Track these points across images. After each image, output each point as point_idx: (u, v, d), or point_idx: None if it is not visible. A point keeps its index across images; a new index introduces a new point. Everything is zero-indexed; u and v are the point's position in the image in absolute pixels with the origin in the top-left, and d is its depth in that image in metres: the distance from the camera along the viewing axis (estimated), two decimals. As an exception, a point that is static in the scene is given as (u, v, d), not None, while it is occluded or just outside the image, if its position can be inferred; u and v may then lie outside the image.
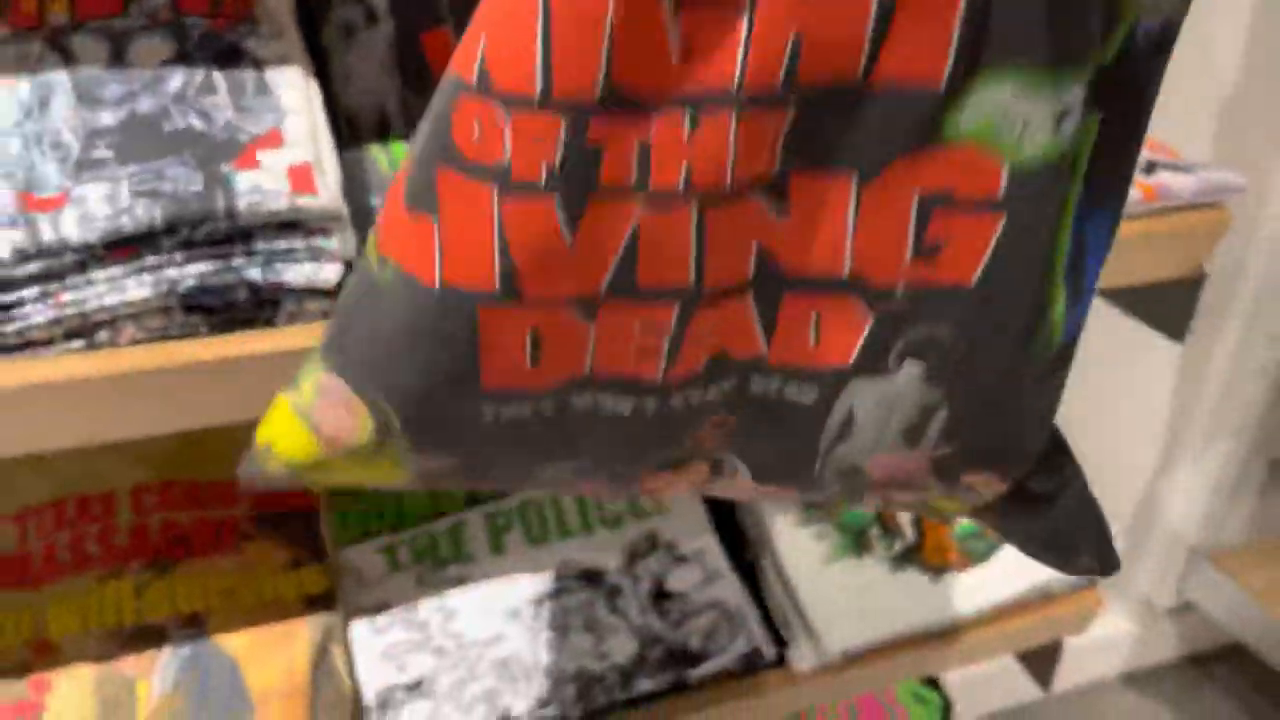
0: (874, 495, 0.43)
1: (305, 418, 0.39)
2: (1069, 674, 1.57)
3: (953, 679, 1.11)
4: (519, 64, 0.30)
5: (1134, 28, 0.32)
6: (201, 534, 0.70)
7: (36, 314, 0.47)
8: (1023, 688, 1.55)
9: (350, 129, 0.60)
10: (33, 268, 0.46)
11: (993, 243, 0.34)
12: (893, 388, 0.37)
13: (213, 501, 0.71)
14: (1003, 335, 0.36)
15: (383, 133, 0.60)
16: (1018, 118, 0.32)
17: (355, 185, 0.54)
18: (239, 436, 0.74)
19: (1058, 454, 0.43)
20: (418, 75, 0.61)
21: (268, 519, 0.72)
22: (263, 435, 0.43)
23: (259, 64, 0.53)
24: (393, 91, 0.61)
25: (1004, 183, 0.33)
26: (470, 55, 0.31)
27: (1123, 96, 0.33)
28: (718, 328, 0.36)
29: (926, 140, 0.32)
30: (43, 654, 0.64)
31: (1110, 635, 1.60)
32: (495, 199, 0.32)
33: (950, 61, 0.31)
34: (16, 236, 0.45)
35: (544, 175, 0.31)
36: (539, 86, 0.30)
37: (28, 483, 0.70)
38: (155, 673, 0.64)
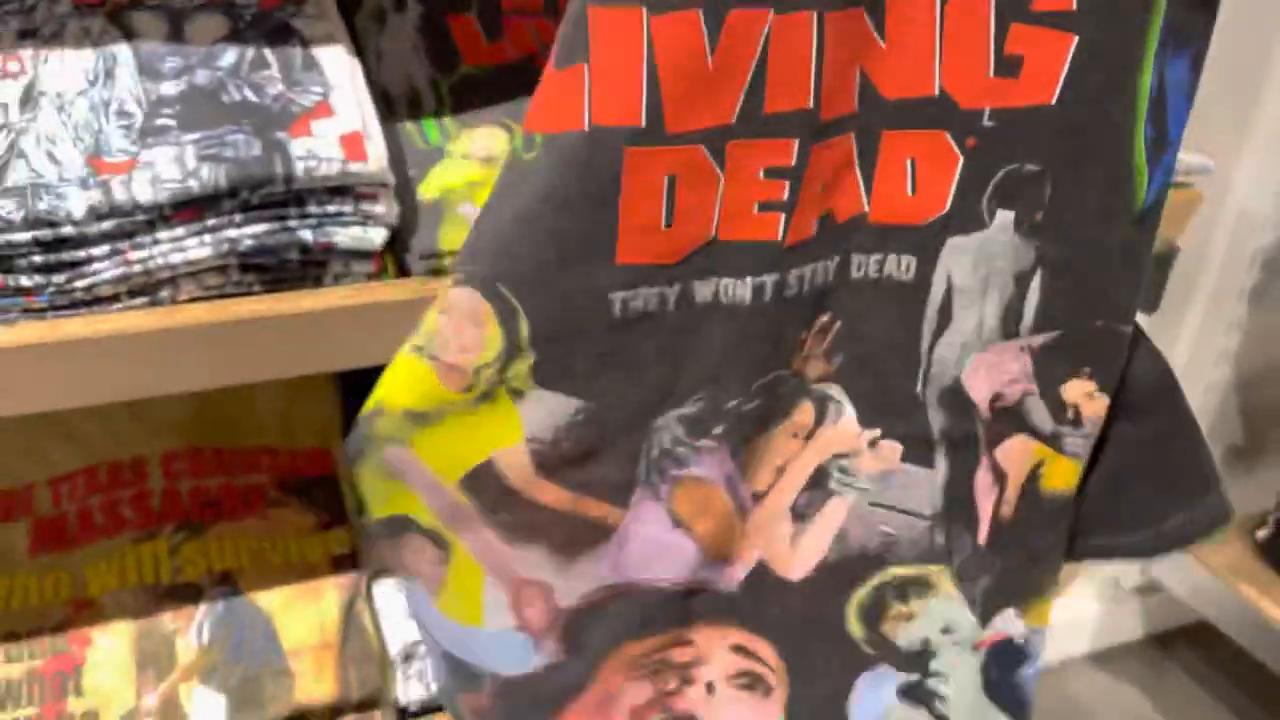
0: (982, 444, 0.42)
1: (424, 351, 0.41)
2: (1040, 653, 1.63)
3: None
4: None
5: None
6: (230, 499, 0.73)
7: (105, 271, 0.50)
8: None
9: (384, 106, 0.63)
10: (105, 226, 0.49)
11: (1068, 59, 0.35)
12: (987, 245, 0.38)
13: (239, 468, 0.74)
14: (1087, 173, 0.37)
15: (414, 110, 0.63)
16: None
17: (392, 158, 0.58)
18: (263, 407, 0.77)
19: (1148, 354, 0.43)
20: (445, 56, 0.64)
21: (291, 485, 0.75)
22: (374, 398, 0.45)
23: (306, 41, 0.57)
24: (422, 72, 0.64)
25: (1076, 1, 0.35)
26: None
27: None
28: (827, 178, 0.37)
29: None
30: (82, 611, 0.66)
31: (1078, 615, 1.66)
32: (645, 18, 0.34)
33: None
34: (92, 196, 0.48)
35: None
36: None
37: (59, 452, 0.72)
38: (192, 627, 0.66)
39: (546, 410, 0.41)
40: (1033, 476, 0.42)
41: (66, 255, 0.49)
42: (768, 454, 0.43)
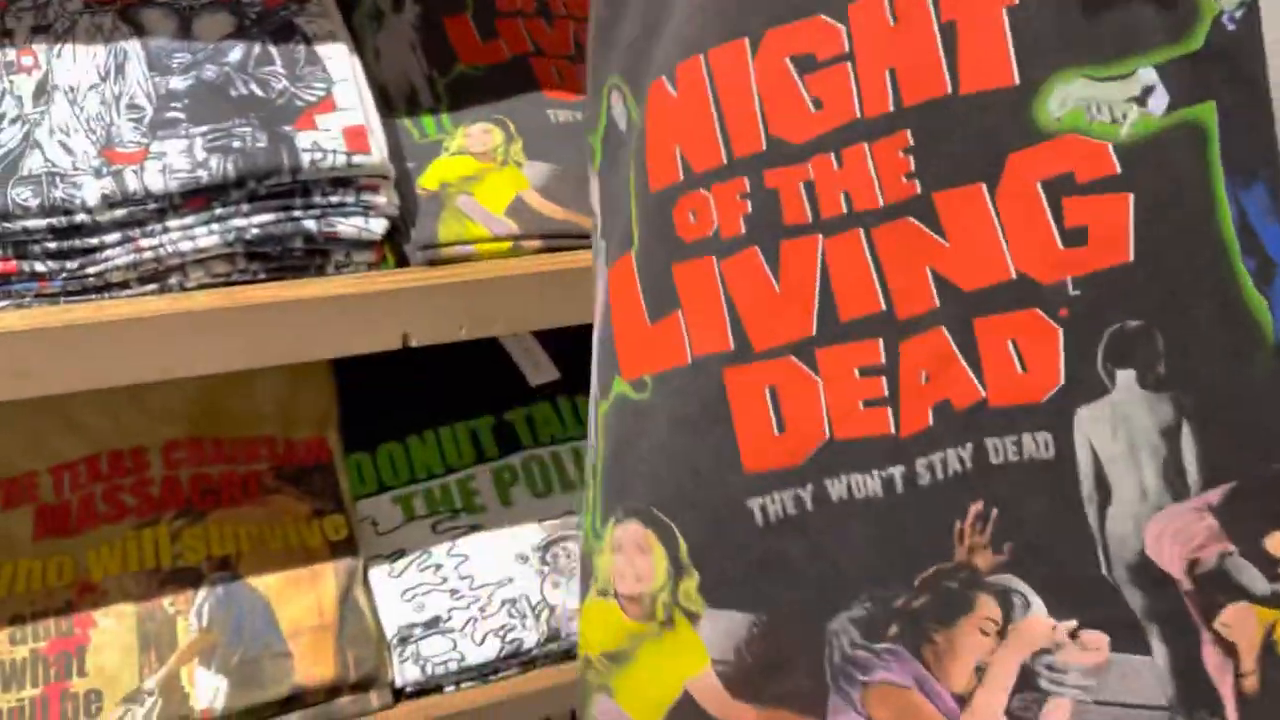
0: (1196, 618, 0.39)
1: (607, 592, 0.45)
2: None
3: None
4: (707, 146, 0.40)
5: (1218, 18, 0.36)
6: (229, 486, 0.74)
7: (117, 258, 0.52)
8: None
9: (382, 102, 0.65)
10: (118, 214, 0.51)
11: (1131, 216, 0.36)
12: (1120, 408, 0.38)
13: (238, 457, 0.76)
14: (1195, 317, 0.37)
15: (411, 107, 0.65)
16: (1093, 106, 0.37)
17: (392, 151, 0.60)
18: (261, 396, 0.79)
19: None
20: (441, 55, 0.67)
21: (289, 473, 0.77)
22: (580, 650, 0.48)
23: (309, 39, 0.59)
24: (419, 69, 0.66)
25: (1116, 161, 0.36)
26: (671, 163, 0.41)
27: (1228, 75, 0.36)
28: (930, 369, 0.40)
29: (1026, 136, 0.37)
30: (85, 594, 0.68)
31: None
32: (716, 264, 0.40)
33: (1014, 64, 0.37)
34: (106, 185, 0.50)
35: (743, 226, 0.40)
36: (724, 155, 0.39)
37: (62, 440, 0.74)
38: (193, 610, 0.68)
39: (723, 629, 0.43)
40: (1268, 643, 0.39)
41: (79, 242, 0.51)
42: (958, 653, 0.41)
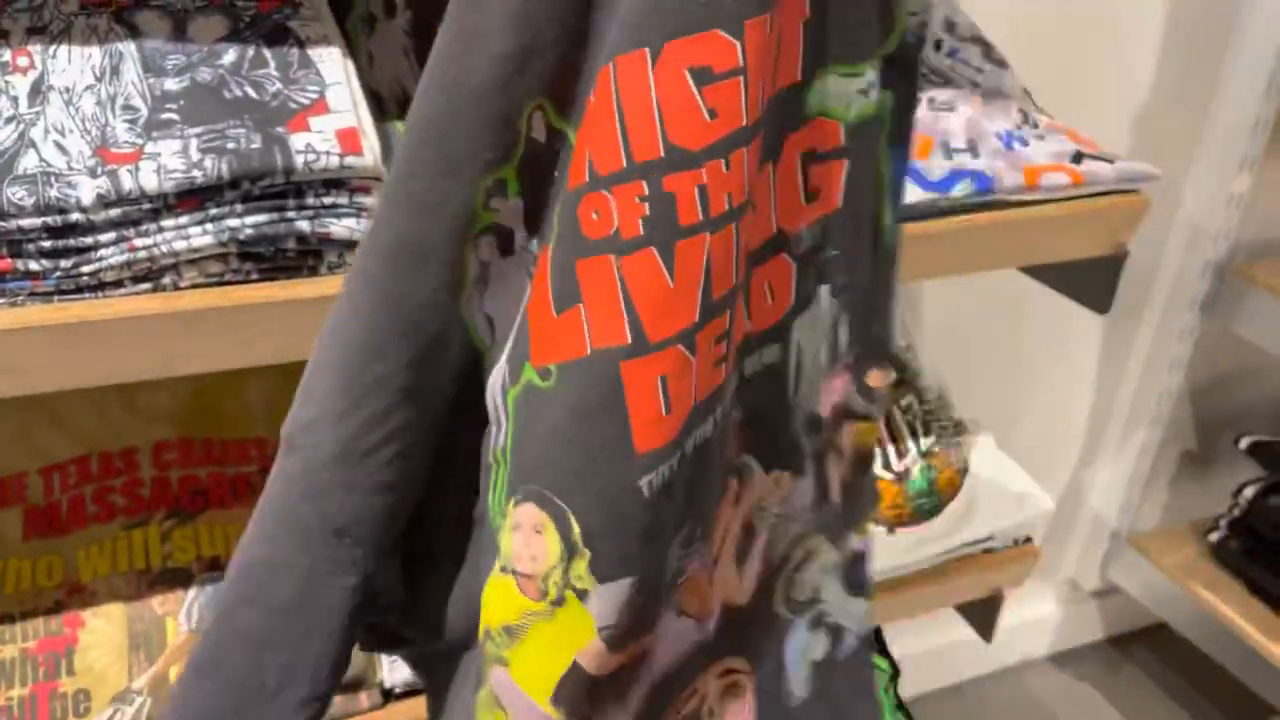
0: (833, 448, 0.56)
1: (506, 568, 0.47)
2: (1000, 653, 1.67)
3: (896, 654, 1.19)
4: (610, 150, 0.42)
5: (904, 34, 0.50)
6: (219, 488, 0.75)
7: (111, 257, 0.52)
8: (959, 667, 1.64)
9: (375, 106, 0.66)
10: (113, 214, 0.51)
11: (844, 176, 0.50)
12: (815, 313, 0.52)
13: (228, 458, 0.76)
14: (862, 242, 0.52)
15: (403, 111, 0.66)
16: (842, 95, 0.49)
17: (384, 154, 0.61)
18: (251, 398, 0.79)
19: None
20: None
21: (279, 475, 0.77)
22: (481, 624, 0.49)
23: (302, 42, 0.59)
24: (411, 74, 0.67)
25: (843, 137, 0.49)
26: (582, 165, 0.43)
27: (903, 76, 0.51)
28: (738, 322, 0.47)
29: (799, 120, 0.48)
30: (74, 594, 0.68)
31: (1038, 618, 1.70)
32: (615, 262, 0.43)
33: (800, 66, 0.47)
34: (101, 185, 0.51)
35: (641, 228, 0.42)
36: (624, 160, 0.42)
37: (52, 441, 0.74)
38: (182, 611, 0.68)
39: (609, 599, 0.47)
40: (858, 446, 0.57)
41: (74, 241, 0.51)
42: (717, 526, 0.53)
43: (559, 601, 0.47)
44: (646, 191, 0.42)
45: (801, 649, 0.60)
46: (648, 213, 0.43)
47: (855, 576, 0.61)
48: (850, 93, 0.49)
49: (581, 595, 0.46)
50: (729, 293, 0.46)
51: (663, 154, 0.42)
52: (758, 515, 0.55)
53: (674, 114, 0.42)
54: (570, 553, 0.46)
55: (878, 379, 0.56)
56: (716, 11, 0.41)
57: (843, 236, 0.51)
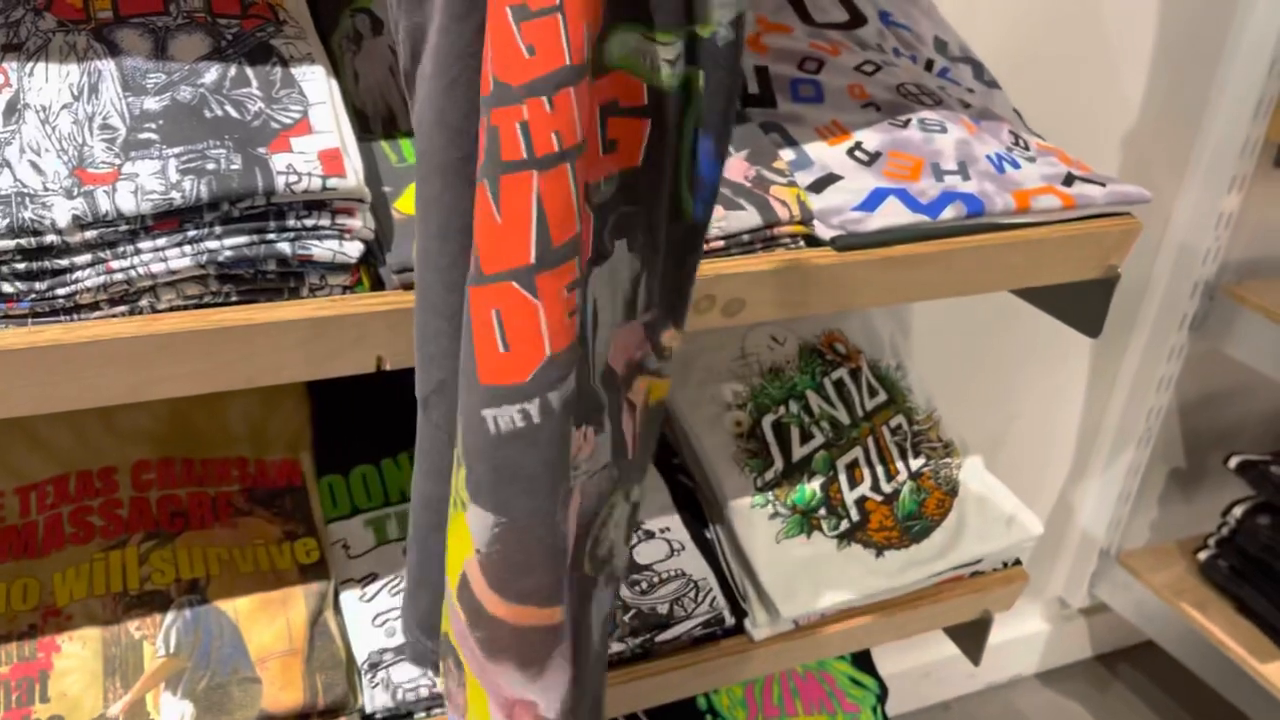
0: (626, 402, 0.57)
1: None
2: (989, 671, 1.66)
3: (885, 672, 1.18)
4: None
5: (715, 30, 0.50)
6: (199, 508, 0.74)
7: (87, 279, 0.51)
8: (948, 685, 1.63)
9: (360, 124, 0.65)
10: (89, 236, 0.50)
11: (645, 137, 0.51)
12: (612, 265, 0.53)
13: (209, 478, 0.75)
14: (660, 208, 0.53)
15: (389, 129, 0.65)
16: (642, 55, 0.49)
17: (369, 174, 0.60)
18: (232, 417, 0.78)
19: None
20: None
21: (260, 495, 0.76)
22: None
23: (285, 61, 0.58)
24: (397, 92, 0.66)
25: (646, 96, 0.50)
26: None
27: (718, 64, 0.51)
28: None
29: (600, 69, 0.48)
30: (50, 618, 0.67)
31: (1027, 635, 1.69)
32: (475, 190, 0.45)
33: (603, 17, 0.47)
34: (77, 206, 0.50)
35: (482, 160, 0.44)
36: (488, 86, 0.44)
37: (28, 461, 0.73)
38: (159, 635, 0.67)
39: (478, 524, 0.50)
40: (647, 400, 0.59)
41: (49, 263, 0.50)
42: None
43: (456, 504, 0.51)
44: (485, 124, 0.44)
45: (599, 606, 0.61)
46: (485, 144, 0.44)
47: (630, 525, 0.63)
48: (655, 56, 0.50)
49: (464, 506, 0.50)
50: (572, 239, 0.46)
51: (491, 89, 0.44)
52: (572, 474, 0.54)
53: (498, 49, 0.43)
54: (458, 464, 0.50)
55: (671, 337, 0.58)
56: None
57: (643, 194, 0.53)
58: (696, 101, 0.52)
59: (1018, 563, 0.95)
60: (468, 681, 0.56)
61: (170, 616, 0.68)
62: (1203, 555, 1.55)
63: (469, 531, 0.50)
